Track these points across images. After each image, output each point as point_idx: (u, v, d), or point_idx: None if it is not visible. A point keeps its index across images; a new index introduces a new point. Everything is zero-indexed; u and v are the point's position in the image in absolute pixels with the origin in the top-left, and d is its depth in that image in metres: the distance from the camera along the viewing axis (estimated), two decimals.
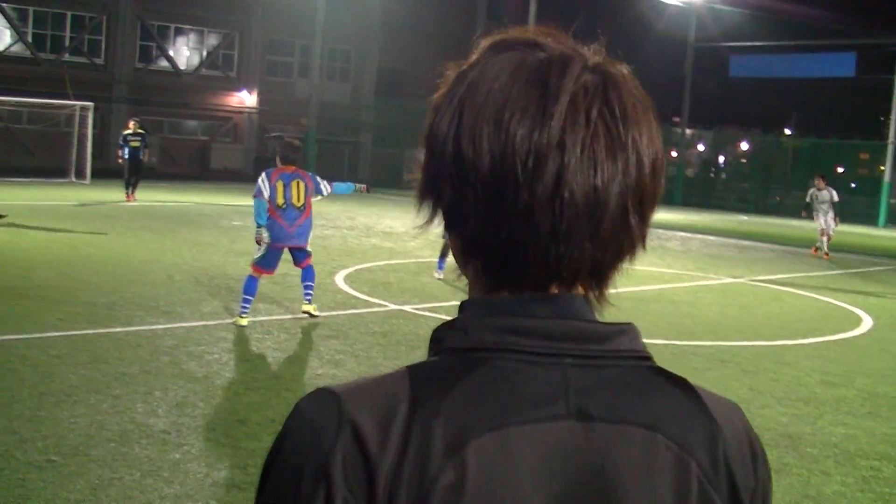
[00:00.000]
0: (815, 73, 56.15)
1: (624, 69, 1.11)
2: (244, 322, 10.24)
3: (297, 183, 10.47)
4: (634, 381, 1.07)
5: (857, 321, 13.59)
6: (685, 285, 16.16)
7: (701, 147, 72.74)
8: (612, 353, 1.07)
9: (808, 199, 24.51)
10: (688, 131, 60.65)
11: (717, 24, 54.73)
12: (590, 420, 1.02)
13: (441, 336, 1.07)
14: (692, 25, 54.57)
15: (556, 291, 1.07)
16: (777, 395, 8.65)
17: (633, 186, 1.05)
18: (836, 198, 23.99)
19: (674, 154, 58.33)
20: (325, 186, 10.85)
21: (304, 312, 10.83)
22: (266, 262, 10.50)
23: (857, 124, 69.04)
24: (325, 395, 1.03)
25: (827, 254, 23.43)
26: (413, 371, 1.04)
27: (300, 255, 10.76)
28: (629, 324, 1.11)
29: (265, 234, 10.41)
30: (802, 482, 6.31)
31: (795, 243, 28.02)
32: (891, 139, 50.36)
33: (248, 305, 10.32)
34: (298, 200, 10.42)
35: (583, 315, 1.07)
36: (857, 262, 22.96)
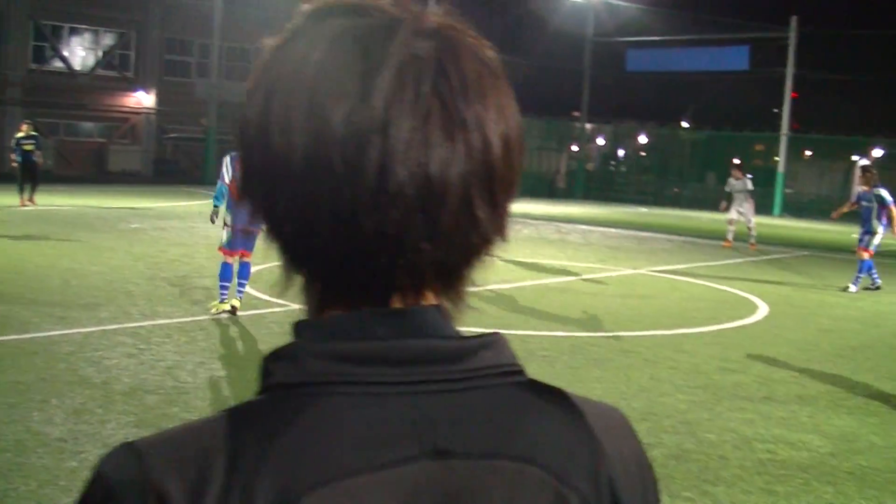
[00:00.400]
0: (710, 66, 57.09)
1: (470, 32, 0.94)
2: (225, 307, 10.80)
3: None
4: (503, 403, 0.90)
5: (754, 308, 13.90)
6: (586, 277, 16.34)
7: (601, 141, 73.53)
8: (474, 372, 0.90)
9: (727, 190, 25.01)
10: (587, 126, 61.27)
11: (613, 18, 55.43)
12: (449, 457, 0.85)
13: (269, 368, 0.90)
14: (590, 20, 55.15)
15: (401, 304, 0.90)
16: (676, 382, 8.80)
17: (479, 171, 0.88)
18: (750, 186, 24.58)
19: (574, 148, 58.97)
20: None
21: (232, 307, 10.93)
22: (230, 244, 10.93)
23: (751, 116, 70.53)
24: (125, 455, 0.84)
25: (753, 244, 23.97)
26: (233, 415, 0.86)
27: (250, 241, 10.89)
28: (494, 334, 0.95)
29: (221, 216, 11.06)
30: (701, 467, 6.43)
31: (693, 234, 28.54)
32: (784, 130, 51.59)
33: (225, 291, 10.83)
34: None
35: (435, 330, 0.90)
36: (753, 251, 23.45)
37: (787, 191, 53.99)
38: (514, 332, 10.70)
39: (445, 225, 0.87)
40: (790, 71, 51.19)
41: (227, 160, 10.86)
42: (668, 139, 68.83)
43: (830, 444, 7.16)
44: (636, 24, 55.85)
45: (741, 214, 24.28)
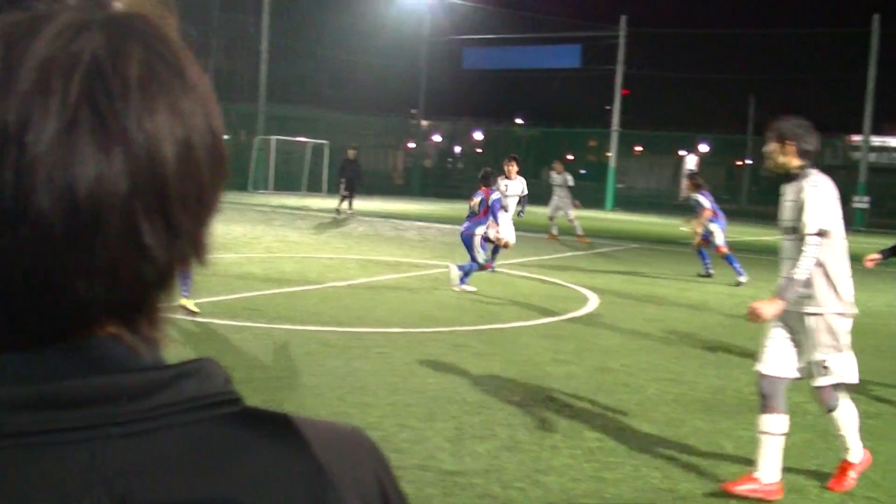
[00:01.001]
0: (544, 64, 58.10)
1: (153, 21, 0.78)
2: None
3: None
4: (204, 441, 0.78)
5: (585, 301, 14.19)
6: (422, 273, 16.42)
7: (437, 138, 74.03)
8: (168, 408, 0.77)
9: (551, 182, 25.53)
10: (424, 123, 61.56)
11: (449, 17, 55.83)
12: None
13: None
14: (426, 19, 55.43)
15: (74, 339, 0.76)
16: (510, 375, 8.90)
17: (145, 190, 0.73)
18: (570, 182, 25.10)
19: (411, 145, 59.23)
20: None
21: (182, 307, 10.72)
22: None
23: (583, 113, 72.12)
24: None
25: (583, 237, 24.47)
26: None
27: None
28: (197, 361, 0.82)
29: None
30: (533, 457, 6.52)
31: (527, 229, 28.96)
32: (614, 127, 52.86)
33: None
34: None
35: (118, 363, 0.77)
36: (586, 245, 23.95)
37: (619, 185, 55.39)
38: (350, 329, 10.67)
39: (103, 258, 0.73)
40: (620, 69, 52.47)
41: None
42: (504, 136, 69.78)
43: (657, 429, 7.36)
44: (471, 23, 56.42)
45: (559, 209, 24.90)
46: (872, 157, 58.03)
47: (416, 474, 5.93)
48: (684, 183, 21.14)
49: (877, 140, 72.93)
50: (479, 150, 74.31)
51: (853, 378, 6.25)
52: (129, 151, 0.72)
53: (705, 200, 18.15)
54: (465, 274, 14.40)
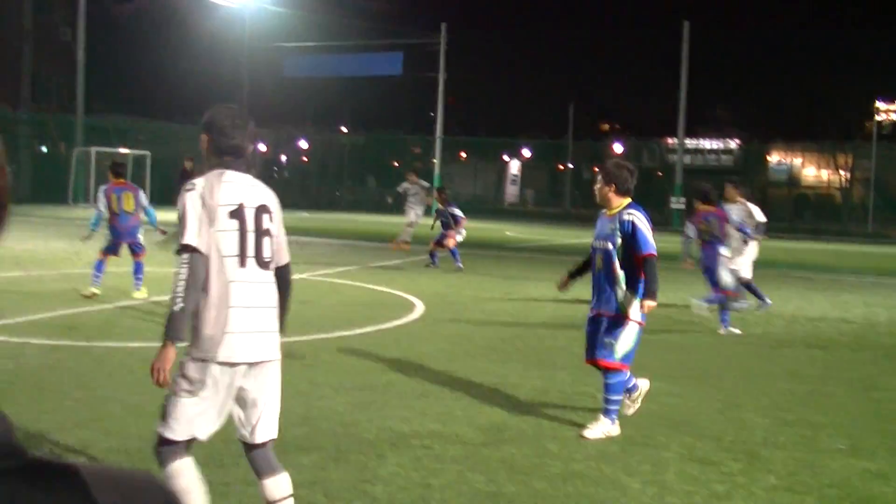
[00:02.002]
0: (366, 71, 58.21)
1: None
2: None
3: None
4: None
5: (411, 307, 14.21)
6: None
7: (262, 146, 73.20)
8: None
9: (400, 191, 25.29)
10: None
11: (270, 24, 55.31)
12: None
13: None
14: (245, 26, 54.77)
15: None
16: (335, 385, 8.82)
17: None
18: (427, 185, 25.14)
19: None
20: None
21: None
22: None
23: (407, 119, 72.46)
24: None
25: (407, 243, 24.47)
26: None
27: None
28: None
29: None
30: (360, 467, 6.45)
31: (353, 237, 28.95)
32: (438, 133, 53.31)
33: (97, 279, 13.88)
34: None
35: None
36: (413, 252, 24.04)
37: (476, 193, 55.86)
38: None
39: None
40: (441, 76, 52.93)
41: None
42: (327, 143, 69.49)
43: (483, 434, 7.39)
44: (293, 30, 56.02)
45: (418, 217, 24.78)
46: (687, 159, 60.08)
47: (240, 489, 5.80)
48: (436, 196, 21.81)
49: (690, 143, 75.63)
50: (305, 159, 73.85)
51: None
52: None
53: (458, 211, 20.51)
54: None
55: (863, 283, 22.08)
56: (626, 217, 7.44)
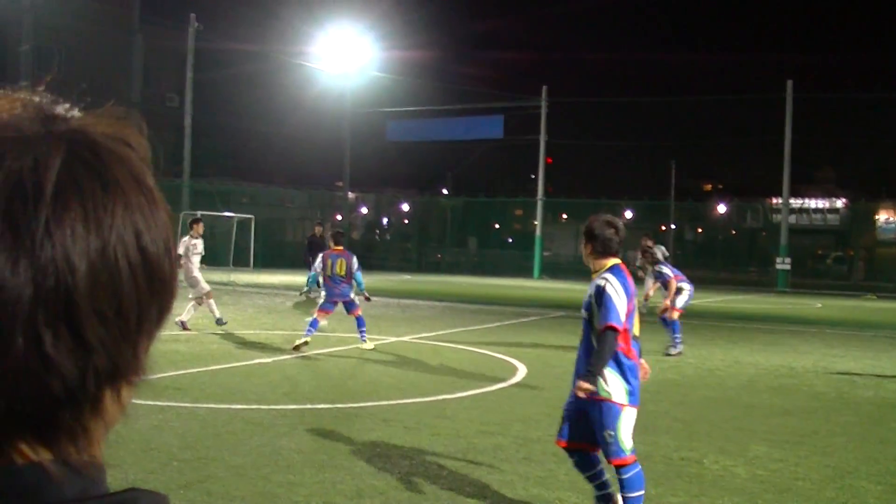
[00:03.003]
0: (467, 135, 58.68)
1: (93, 135, 0.79)
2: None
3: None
4: None
5: (513, 370, 14.19)
6: (349, 348, 16.31)
7: (364, 210, 74.17)
8: None
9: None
10: (350, 195, 61.67)
11: (372, 89, 56.24)
12: None
13: None
14: (348, 91, 55.75)
15: None
16: (437, 449, 8.83)
17: (49, 297, 0.71)
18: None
19: (339, 217, 59.21)
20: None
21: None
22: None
23: (508, 182, 72.82)
24: None
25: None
26: None
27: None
28: (130, 491, 0.80)
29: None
30: None
31: (454, 299, 29.02)
32: (540, 195, 53.38)
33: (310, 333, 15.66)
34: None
35: (36, 495, 0.73)
36: (513, 314, 24.00)
37: (545, 253, 55.77)
38: (276, 406, 10.54)
39: (3, 367, 0.71)
40: (542, 138, 53.14)
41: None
42: (429, 206, 70.04)
43: (587, 499, 7.32)
44: (394, 95, 56.88)
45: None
46: (792, 218, 59.14)
47: None
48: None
49: (795, 202, 74.54)
50: (406, 221, 74.50)
51: None
52: (35, 260, 0.71)
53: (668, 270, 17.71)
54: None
55: None
56: (599, 281, 6.46)
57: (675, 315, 17.03)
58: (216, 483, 7.33)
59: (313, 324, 15.81)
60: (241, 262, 47.24)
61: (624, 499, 6.49)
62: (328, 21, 53.44)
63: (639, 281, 18.38)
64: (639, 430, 10.04)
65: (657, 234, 76.91)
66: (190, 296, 18.64)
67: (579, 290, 36.36)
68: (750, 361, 16.40)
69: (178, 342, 15.90)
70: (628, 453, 6.37)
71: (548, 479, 7.88)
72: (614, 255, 6.60)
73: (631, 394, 6.42)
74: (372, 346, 16.17)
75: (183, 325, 17.99)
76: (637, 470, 6.38)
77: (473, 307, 25.89)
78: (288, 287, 30.85)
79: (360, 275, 16.26)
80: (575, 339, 18.05)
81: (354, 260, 16.25)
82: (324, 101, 57.95)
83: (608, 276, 6.39)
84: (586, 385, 6.25)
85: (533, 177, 55.22)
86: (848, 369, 15.81)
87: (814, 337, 21.19)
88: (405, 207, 74.44)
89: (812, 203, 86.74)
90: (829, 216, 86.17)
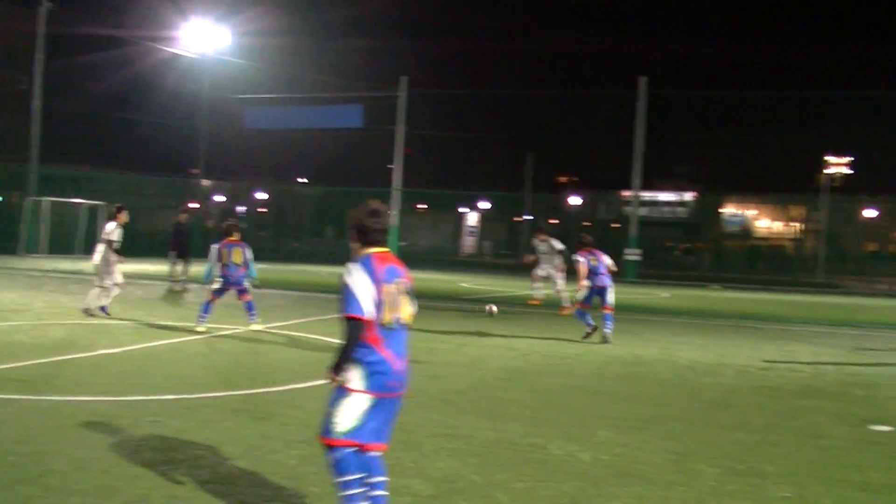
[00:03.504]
0: (325, 124, 58.42)
1: None
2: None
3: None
4: None
5: None
6: (200, 337, 16.09)
7: (220, 198, 73.05)
8: None
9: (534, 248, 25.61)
10: (206, 182, 60.71)
11: (230, 76, 55.47)
12: None
13: None
14: (206, 78, 54.88)
15: None
16: (287, 438, 8.79)
17: None
18: (559, 247, 25.01)
19: (194, 206, 58.26)
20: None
21: None
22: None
23: (365, 172, 72.68)
24: None
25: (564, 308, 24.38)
26: None
27: None
28: None
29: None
30: None
31: (310, 288, 28.90)
32: (395, 185, 53.44)
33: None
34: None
35: None
36: (563, 315, 24.11)
37: (402, 243, 55.89)
38: (122, 397, 10.33)
39: None
40: (401, 129, 53.20)
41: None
42: (286, 195, 69.49)
43: (433, 486, 7.39)
44: (252, 82, 56.19)
45: (549, 278, 24.71)
46: (643, 211, 60.53)
47: None
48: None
49: (646, 195, 76.22)
50: (264, 210, 73.73)
51: None
52: None
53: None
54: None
55: (811, 332, 22.31)
56: (343, 272, 6.13)
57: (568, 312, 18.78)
58: (55, 477, 7.15)
59: (206, 308, 17.18)
60: (91, 251, 46.11)
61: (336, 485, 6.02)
62: (187, 6, 52.48)
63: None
64: (487, 417, 10.20)
65: (512, 225, 77.86)
66: (108, 283, 18.69)
67: (435, 280, 36.77)
68: (598, 350, 16.77)
69: (21, 333, 15.44)
70: (338, 436, 5.94)
71: (395, 467, 7.90)
72: (374, 244, 6.35)
73: (367, 380, 6.07)
74: (204, 329, 16.90)
75: (102, 311, 18.53)
76: (341, 456, 5.94)
77: (329, 297, 25.75)
78: (141, 276, 30.20)
79: (252, 263, 17.70)
80: (427, 329, 18.18)
81: (249, 250, 17.64)
82: (181, 88, 56.95)
83: (351, 266, 6.09)
84: (332, 375, 6.00)
85: (391, 166, 55.25)
86: (692, 357, 16.31)
87: (661, 326, 21.79)
88: (262, 196, 73.66)
89: (663, 196, 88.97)
90: (679, 209, 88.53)
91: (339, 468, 5.95)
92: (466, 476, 7.75)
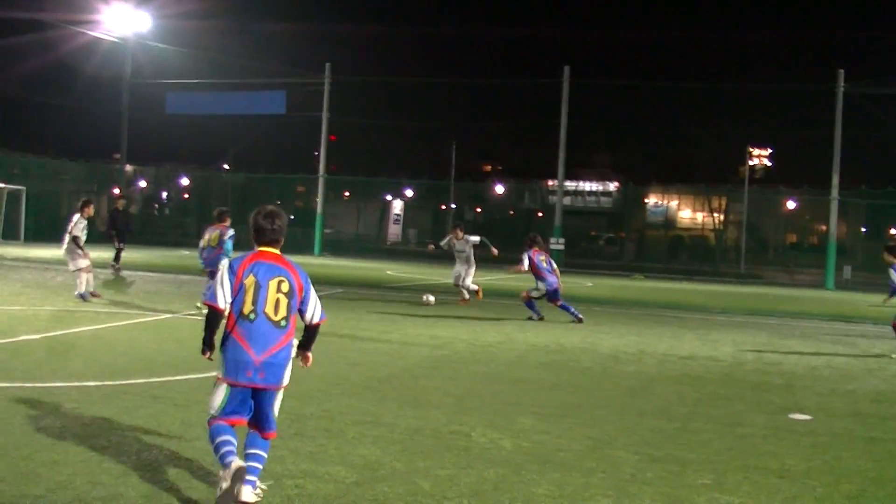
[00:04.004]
0: (249, 110, 57.90)
1: None
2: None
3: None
4: None
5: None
6: (121, 324, 15.92)
7: (143, 183, 72.20)
8: None
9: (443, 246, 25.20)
10: (128, 167, 59.91)
11: (152, 60, 54.74)
12: None
13: None
14: (128, 62, 54.13)
15: None
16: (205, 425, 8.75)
17: None
18: (475, 240, 24.58)
19: (116, 191, 57.48)
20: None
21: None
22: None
23: (290, 158, 72.26)
24: None
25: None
26: None
27: None
28: None
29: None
30: None
31: None
32: (321, 172, 53.22)
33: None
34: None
35: None
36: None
37: (327, 231, 55.69)
38: (42, 384, 10.20)
39: None
40: (325, 115, 52.97)
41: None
42: (209, 181, 68.83)
43: (356, 473, 7.42)
44: (175, 67, 55.49)
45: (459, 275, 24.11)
46: (567, 200, 61.03)
47: None
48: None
49: (571, 185, 76.85)
50: (186, 196, 72.97)
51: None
52: None
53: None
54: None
55: (733, 322, 22.71)
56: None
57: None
58: None
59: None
60: (10, 236, 45.28)
61: None
62: None
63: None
64: (410, 405, 10.26)
65: (437, 213, 77.97)
66: (73, 268, 19.45)
67: (359, 268, 36.70)
68: (521, 338, 16.92)
69: None
70: (211, 414, 6.81)
71: (318, 454, 7.94)
72: (266, 244, 6.92)
73: (224, 367, 6.76)
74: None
75: (93, 294, 19.55)
76: (211, 427, 6.73)
77: None
78: (61, 262, 29.73)
79: (230, 244, 18.60)
80: (351, 316, 18.19)
81: (229, 232, 18.73)
82: (103, 71, 56.08)
83: (224, 261, 7.02)
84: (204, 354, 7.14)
85: (316, 154, 55.01)
86: (613, 345, 16.53)
87: (583, 314, 22.03)
88: (185, 182, 72.89)
89: (587, 186, 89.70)
90: (603, 199, 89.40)
91: (210, 436, 6.73)
92: (389, 463, 7.79)
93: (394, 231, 77.31)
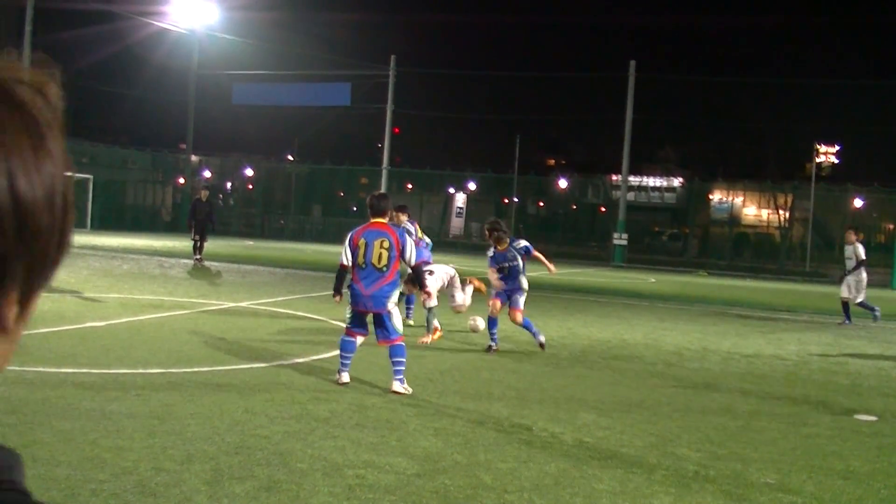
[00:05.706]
0: (314, 101, 58.21)
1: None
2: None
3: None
4: None
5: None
6: (186, 312, 16.08)
7: (207, 173, 72.87)
8: None
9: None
10: (194, 158, 60.51)
11: (219, 52, 55.25)
12: None
13: None
14: (195, 53, 54.66)
15: None
16: (271, 414, 8.80)
17: None
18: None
19: (181, 181, 58.13)
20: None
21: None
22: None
23: (353, 150, 72.59)
24: None
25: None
26: None
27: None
28: None
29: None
30: (291, 497, 6.45)
31: (295, 266, 28.88)
32: (385, 164, 53.38)
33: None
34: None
35: None
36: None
37: None
38: (108, 370, 10.33)
39: None
40: (389, 107, 53.08)
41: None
42: (273, 172, 69.30)
43: (417, 465, 7.41)
44: (242, 59, 55.97)
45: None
46: (631, 195, 60.63)
47: None
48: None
49: (634, 180, 76.36)
50: (251, 187, 73.60)
51: None
52: None
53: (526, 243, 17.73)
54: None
55: (798, 321, 22.41)
56: None
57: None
58: (41, 448, 7.15)
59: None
60: (77, 224, 45.92)
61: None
62: None
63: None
64: (473, 398, 10.24)
65: (500, 206, 77.91)
66: None
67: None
68: (584, 333, 16.84)
69: None
70: (345, 326, 10.99)
71: (379, 446, 7.95)
72: (375, 215, 10.46)
73: (350, 298, 10.57)
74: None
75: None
76: (342, 339, 10.87)
77: (314, 274, 25.77)
78: (128, 251, 30.15)
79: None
80: (414, 308, 18.22)
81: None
82: (170, 62, 56.71)
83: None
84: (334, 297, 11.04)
85: (379, 146, 55.14)
86: (676, 342, 16.38)
87: (646, 310, 21.85)
88: (249, 172, 73.52)
89: (651, 181, 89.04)
90: (667, 194, 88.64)
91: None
92: (450, 455, 7.78)
93: (456, 224, 77.28)
